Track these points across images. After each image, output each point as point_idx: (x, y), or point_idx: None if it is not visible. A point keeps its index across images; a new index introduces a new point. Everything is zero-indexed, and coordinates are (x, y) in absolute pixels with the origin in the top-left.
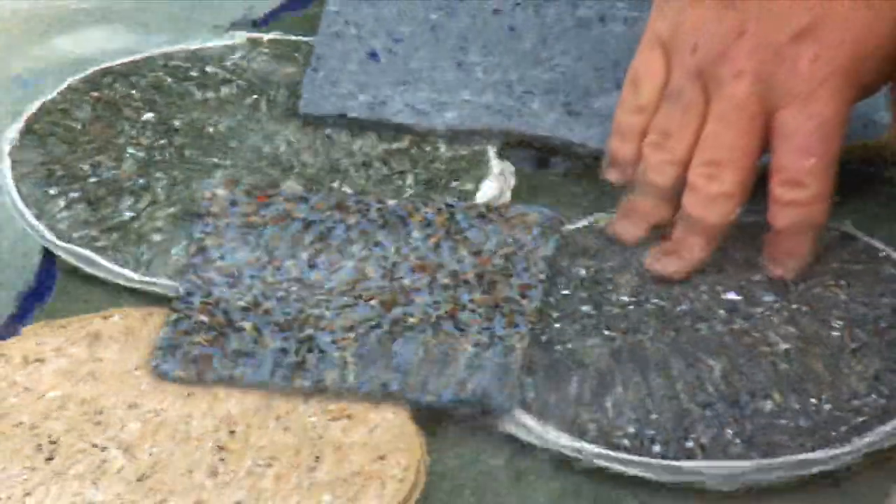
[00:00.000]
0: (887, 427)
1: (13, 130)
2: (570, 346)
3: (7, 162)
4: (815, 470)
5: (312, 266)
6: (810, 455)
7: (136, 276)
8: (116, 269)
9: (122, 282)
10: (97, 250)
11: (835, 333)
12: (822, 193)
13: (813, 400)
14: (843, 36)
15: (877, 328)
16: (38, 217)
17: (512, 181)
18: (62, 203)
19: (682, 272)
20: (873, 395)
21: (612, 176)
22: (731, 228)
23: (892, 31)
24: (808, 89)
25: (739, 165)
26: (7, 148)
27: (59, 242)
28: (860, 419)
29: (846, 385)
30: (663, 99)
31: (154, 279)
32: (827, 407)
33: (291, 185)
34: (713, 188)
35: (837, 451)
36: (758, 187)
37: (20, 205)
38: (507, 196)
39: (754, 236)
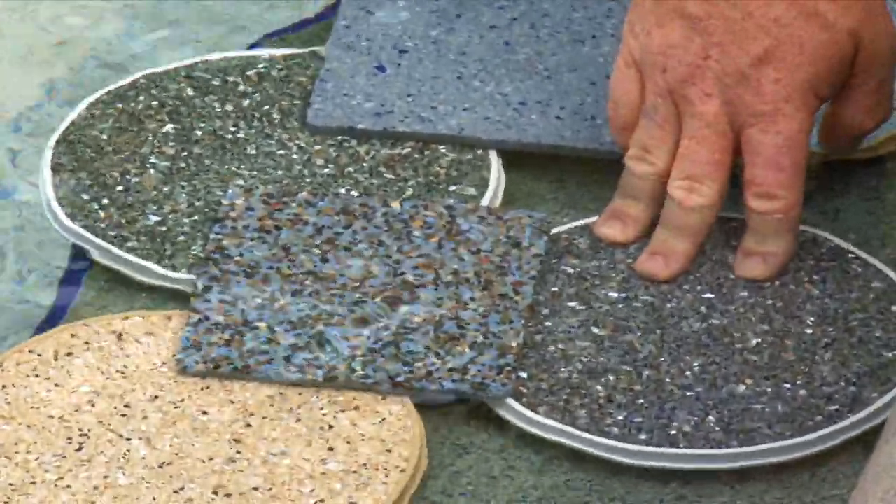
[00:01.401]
0: (859, 415)
1: (52, 140)
2: (559, 341)
3: (48, 168)
4: (791, 456)
5: (325, 261)
6: (787, 442)
7: (161, 271)
8: (143, 263)
9: (148, 277)
10: (128, 249)
11: (807, 330)
12: (793, 202)
13: (787, 386)
14: (801, 58)
15: (846, 324)
16: (72, 218)
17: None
18: (95, 207)
19: (667, 274)
20: (842, 383)
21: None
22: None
23: (845, 50)
24: (772, 108)
25: (715, 178)
26: (49, 154)
27: (93, 238)
28: (833, 407)
29: (819, 375)
30: (641, 115)
31: (178, 274)
32: (802, 393)
33: (304, 195)
34: (693, 200)
35: (812, 437)
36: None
37: (55, 206)
38: (499, 199)
39: (729, 235)
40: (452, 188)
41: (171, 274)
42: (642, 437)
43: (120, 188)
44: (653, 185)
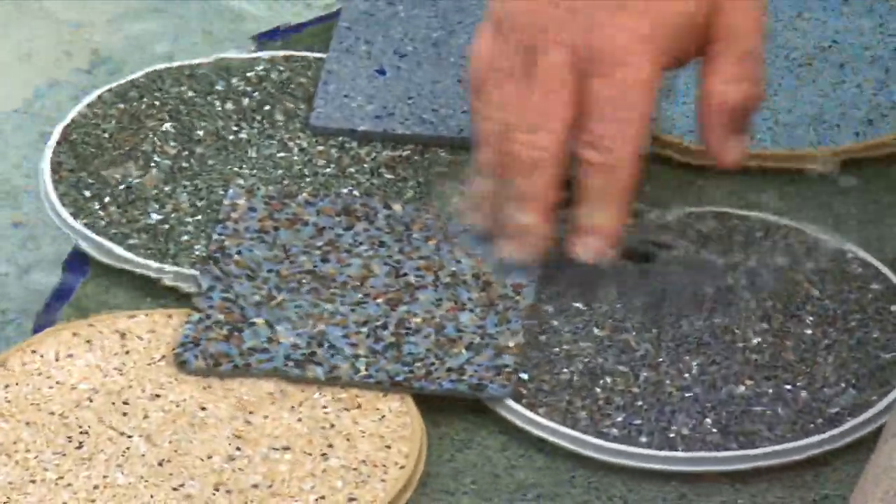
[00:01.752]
0: (860, 418)
1: (52, 140)
2: (562, 341)
3: (48, 166)
4: (792, 458)
5: (325, 261)
6: (788, 445)
7: (163, 268)
8: (145, 261)
9: (150, 273)
10: (129, 248)
11: (807, 331)
12: (625, 158)
13: (788, 387)
14: (649, 7)
15: (846, 325)
16: (74, 216)
17: None
18: (96, 205)
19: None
20: (842, 385)
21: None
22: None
23: (698, 9)
24: (616, 59)
25: (550, 129)
26: (48, 153)
27: (94, 237)
28: (834, 410)
29: (820, 376)
30: (497, 74)
31: (179, 269)
32: (803, 395)
33: (305, 196)
34: (530, 153)
35: (814, 440)
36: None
37: (58, 205)
38: None
39: (732, 232)
40: None
41: (173, 271)
42: (643, 439)
43: (121, 187)
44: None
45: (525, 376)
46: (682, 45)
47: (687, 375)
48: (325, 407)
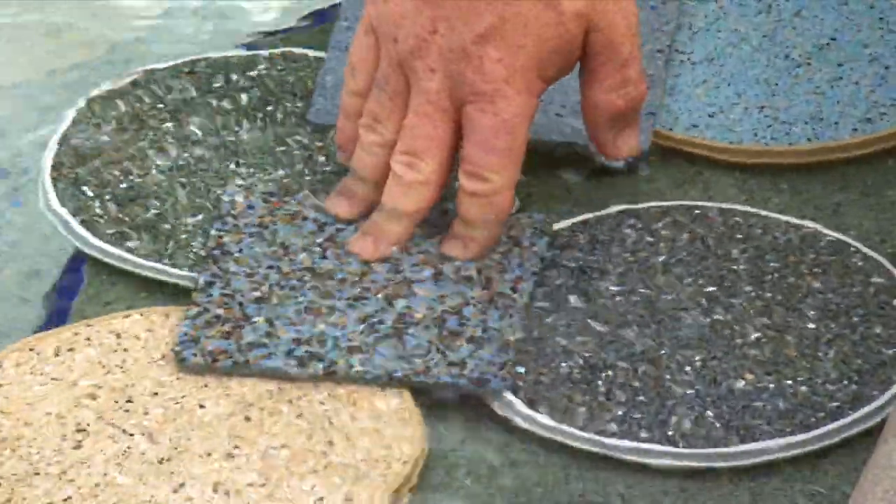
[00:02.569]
0: (860, 412)
1: (52, 139)
2: (560, 336)
3: (48, 165)
4: (791, 453)
5: (324, 258)
6: (790, 439)
7: (161, 267)
8: (144, 262)
9: (148, 273)
10: (128, 249)
11: (809, 325)
12: (503, 186)
13: (789, 382)
14: (525, 38)
15: (848, 319)
16: (74, 215)
17: None
18: (95, 205)
19: (375, 256)
20: (844, 381)
21: (340, 158)
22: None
23: (573, 30)
24: (492, 88)
25: (434, 155)
26: (49, 154)
27: (93, 236)
28: (834, 404)
29: (821, 371)
30: (374, 84)
31: (178, 270)
32: (803, 390)
33: (306, 194)
34: (410, 176)
35: (813, 435)
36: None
37: (57, 204)
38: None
39: (734, 229)
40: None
41: (172, 270)
42: (643, 434)
43: (122, 185)
44: (378, 160)
45: (522, 370)
46: (559, 66)
47: (688, 369)
48: (323, 404)
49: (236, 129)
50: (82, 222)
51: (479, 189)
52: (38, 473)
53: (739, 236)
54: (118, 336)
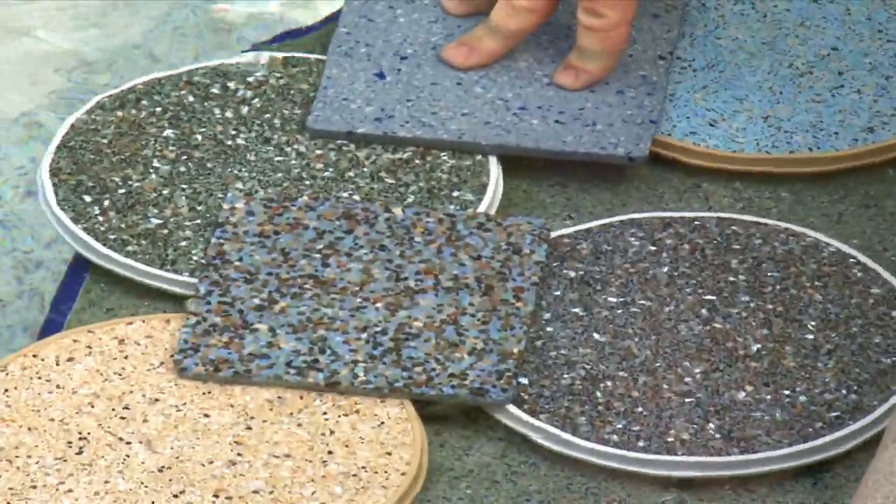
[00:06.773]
0: (861, 423)
1: (52, 146)
2: (561, 347)
3: (48, 171)
4: (791, 464)
5: (326, 265)
6: (790, 450)
7: (162, 274)
8: (144, 268)
9: (148, 280)
10: (128, 254)
11: (808, 335)
12: (619, 21)
13: (787, 393)
14: None
15: (847, 330)
16: (74, 221)
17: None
18: (96, 210)
19: (466, 64)
20: (843, 391)
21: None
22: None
23: None
24: None
25: None
26: (48, 160)
27: (93, 243)
28: (834, 414)
29: (821, 381)
30: None
31: (178, 276)
32: (802, 400)
33: (305, 200)
34: (520, 2)
35: (812, 446)
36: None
37: (58, 211)
38: (496, 206)
39: (730, 240)
40: (455, 194)
41: (172, 277)
42: (641, 444)
43: (121, 192)
44: None
45: (525, 381)
46: None
47: (688, 380)
48: (325, 413)
49: (235, 135)
50: (82, 228)
51: (595, 24)
52: (34, 486)
53: (738, 247)
54: (121, 342)
